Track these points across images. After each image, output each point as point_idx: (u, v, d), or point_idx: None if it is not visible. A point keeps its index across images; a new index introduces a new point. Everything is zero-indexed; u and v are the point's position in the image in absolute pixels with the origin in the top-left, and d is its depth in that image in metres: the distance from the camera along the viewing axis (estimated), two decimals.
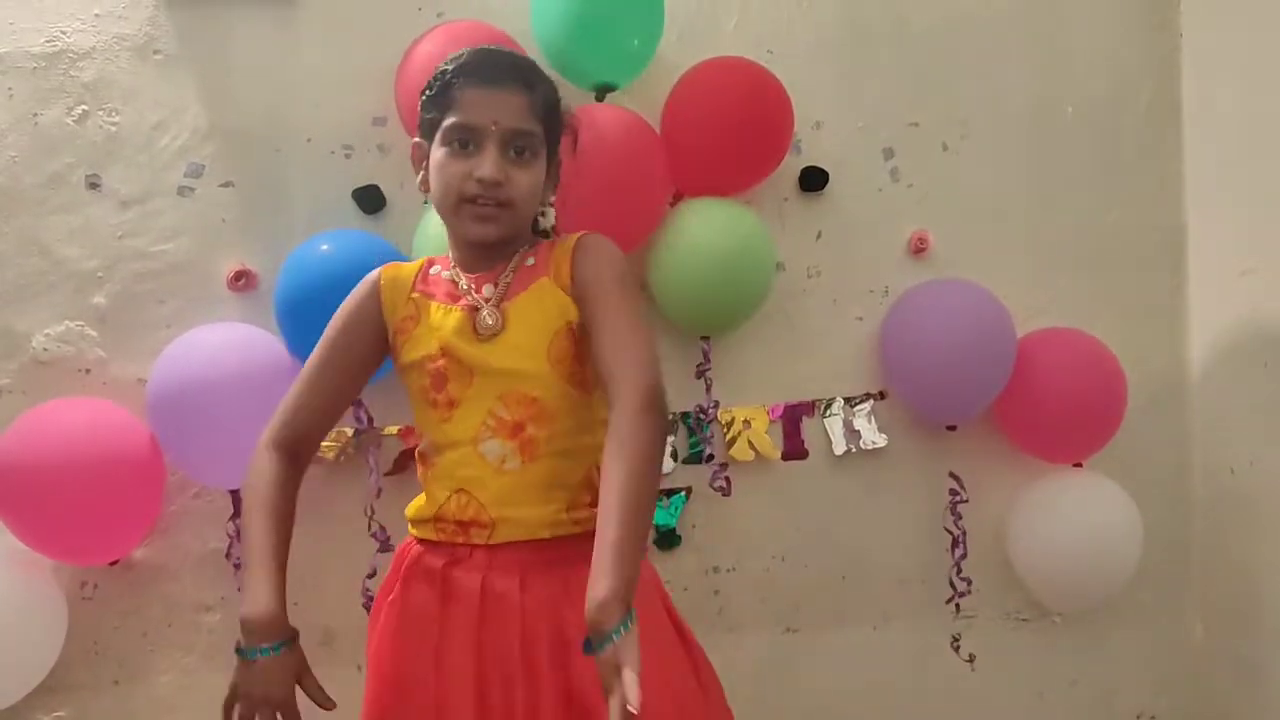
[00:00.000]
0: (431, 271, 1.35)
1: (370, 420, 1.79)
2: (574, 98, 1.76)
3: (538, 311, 1.28)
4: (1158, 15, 2.03)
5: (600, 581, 1.05)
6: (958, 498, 1.94)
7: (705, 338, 1.88)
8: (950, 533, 1.94)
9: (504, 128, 1.26)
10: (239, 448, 1.66)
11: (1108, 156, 2.02)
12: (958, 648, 1.99)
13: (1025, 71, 2.00)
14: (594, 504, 1.25)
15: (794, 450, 1.95)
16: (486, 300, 1.29)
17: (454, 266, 1.33)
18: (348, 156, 1.84)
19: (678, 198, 1.84)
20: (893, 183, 1.97)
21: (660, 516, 1.89)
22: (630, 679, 0.99)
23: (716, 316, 1.84)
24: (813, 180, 1.93)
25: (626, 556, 1.07)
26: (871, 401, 1.96)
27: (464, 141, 1.26)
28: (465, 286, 1.30)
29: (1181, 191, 2.04)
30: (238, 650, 1.21)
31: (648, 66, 1.82)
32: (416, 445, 1.36)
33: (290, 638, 1.22)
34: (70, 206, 1.79)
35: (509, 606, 1.23)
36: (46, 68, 1.78)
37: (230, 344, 1.70)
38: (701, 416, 1.90)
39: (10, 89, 1.77)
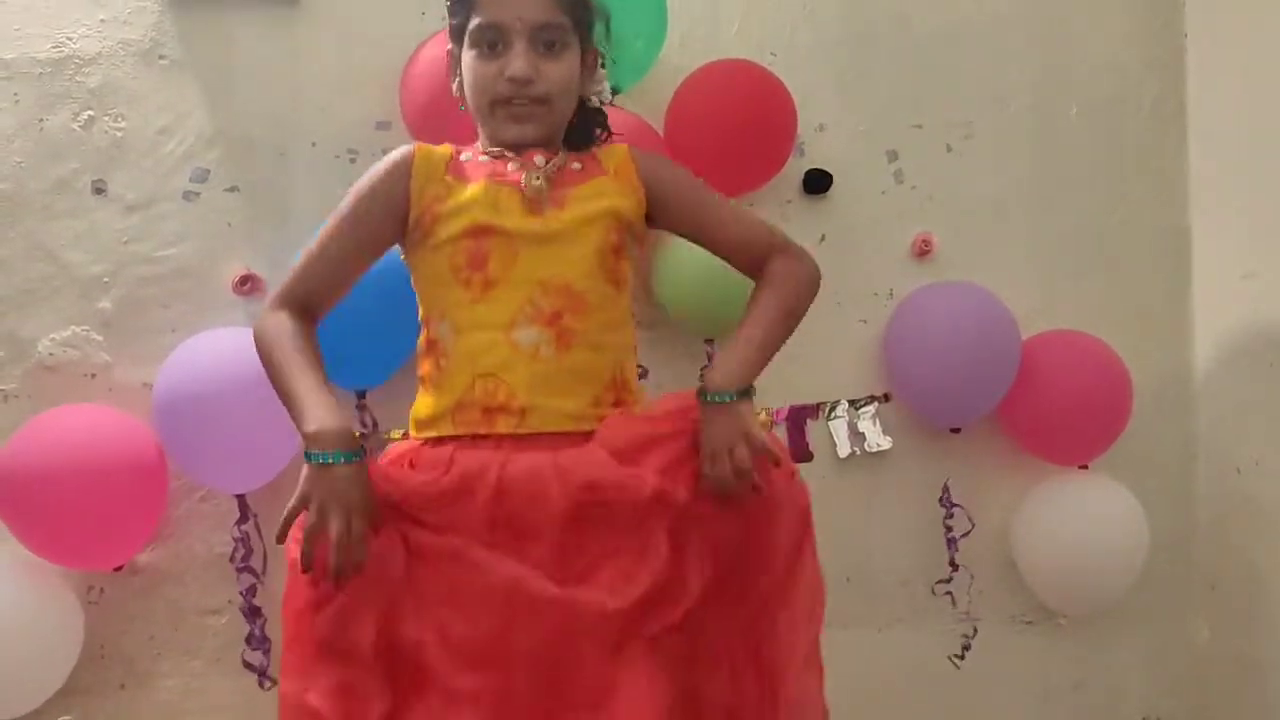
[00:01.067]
0: (463, 158, 1.31)
1: (375, 424, 1.79)
2: None
3: (592, 203, 1.27)
4: (1161, 17, 2.03)
5: (734, 367, 1.23)
6: (947, 499, 1.94)
7: (709, 340, 1.88)
8: (949, 539, 1.95)
9: (529, 22, 1.25)
10: (245, 451, 1.69)
11: (1111, 158, 2.02)
12: (963, 653, 1.98)
13: (1029, 73, 2.00)
14: (617, 403, 1.25)
15: (798, 453, 1.94)
16: (539, 167, 1.27)
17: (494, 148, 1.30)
18: (352, 161, 1.84)
19: None
20: (896, 185, 1.97)
21: None
22: (743, 453, 1.16)
23: (720, 319, 1.83)
24: (816, 183, 1.93)
25: (757, 358, 1.25)
26: (876, 404, 1.96)
27: (492, 42, 1.26)
28: (515, 163, 1.27)
29: (1185, 194, 2.04)
30: (308, 455, 1.12)
31: (651, 70, 1.82)
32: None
33: (362, 452, 1.14)
34: (76, 211, 1.79)
35: (540, 475, 1.16)
36: (52, 73, 1.79)
37: (236, 348, 1.68)
38: None
39: (16, 94, 1.78)
